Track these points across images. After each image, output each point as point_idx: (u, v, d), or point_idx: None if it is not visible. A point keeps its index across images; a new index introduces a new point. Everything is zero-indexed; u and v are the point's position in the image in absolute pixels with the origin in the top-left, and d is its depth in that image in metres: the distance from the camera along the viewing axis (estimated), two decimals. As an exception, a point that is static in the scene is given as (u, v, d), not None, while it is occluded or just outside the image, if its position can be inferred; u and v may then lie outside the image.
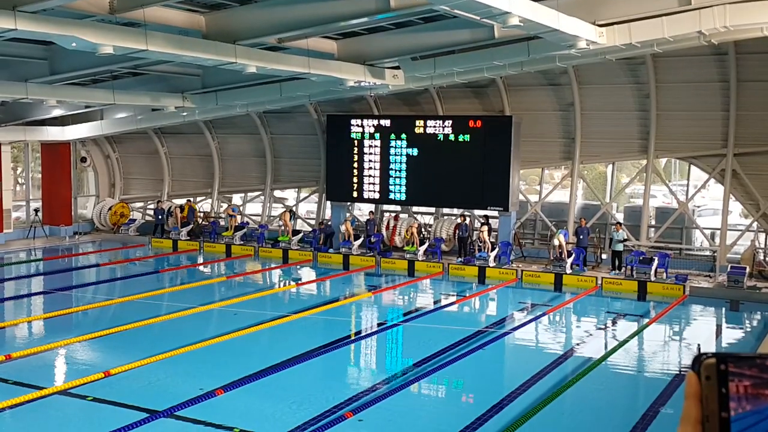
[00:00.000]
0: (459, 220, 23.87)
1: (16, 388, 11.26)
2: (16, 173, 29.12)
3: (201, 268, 22.87)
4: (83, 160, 29.67)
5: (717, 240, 21.46)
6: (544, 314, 17.48)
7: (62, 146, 28.38)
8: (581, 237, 22.09)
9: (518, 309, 18.20)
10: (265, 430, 9.77)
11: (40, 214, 27.92)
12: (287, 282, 20.92)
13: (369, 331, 16.07)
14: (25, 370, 12.28)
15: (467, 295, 19.49)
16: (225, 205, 28.41)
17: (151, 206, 29.51)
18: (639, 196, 25.49)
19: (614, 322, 17.71)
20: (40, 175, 29.10)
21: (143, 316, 15.93)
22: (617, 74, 21.77)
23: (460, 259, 22.79)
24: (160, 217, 27.39)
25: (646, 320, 17.28)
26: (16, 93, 19.37)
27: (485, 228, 22.71)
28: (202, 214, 28.51)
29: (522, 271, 21.75)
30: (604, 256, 22.44)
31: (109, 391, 11.21)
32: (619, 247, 21.44)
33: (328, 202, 25.87)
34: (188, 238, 26.70)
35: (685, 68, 20.82)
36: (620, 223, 22.07)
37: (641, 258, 20.73)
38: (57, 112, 24.92)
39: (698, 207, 24.56)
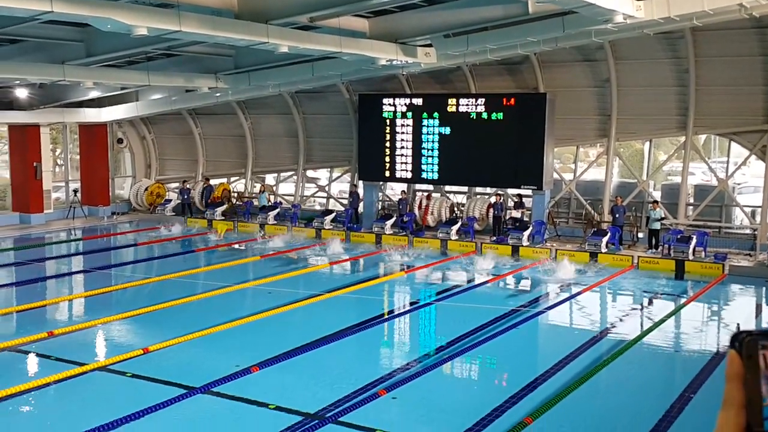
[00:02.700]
0: (493, 199, 23.76)
1: (58, 364, 11.54)
2: (56, 154, 29.60)
3: (235, 246, 23.09)
4: (120, 141, 30.06)
5: (758, 218, 21.03)
6: (578, 293, 17.35)
7: (99, 128, 28.77)
8: (617, 216, 21.83)
9: (552, 288, 18.08)
10: (300, 407, 9.87)
11: (79, 194, 28.40)
12: (321, 261, 21.03)
13: (402, 310, 16.11)
14: (67, 346, 12.56)
15: (500, 274, 19.41)
16: (258, 185, 28.58)
17: (176, 186, 29.81)
18: (677, 174, 25.11)
19: (650, 302, 17.51)
20: (78, 157, 29.56)
21: (180, 295, 16.17)
22: (655, 49, 21.35)
23: (498, 237, 22.72)
24: (185, 197, 27.71)
25: (684, 299, 17.06)
26: (54, 75, 19.65)
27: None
28: (236, 194, 28.75)
29: (556, 250, 21.60)
30: (640, 235, 22.15)
31: (148, 368, 11.42)
32: (656, 225, 21.15)
33: (361, 182, 25.89)
34: (223, 217, 26.99)
35: (725, 42, 20.33)
36: (657, 202, 21.75)
37: (679, 236, 20.43)
38: (94, 94, 25.23)
39: (738, 184, 24.11)
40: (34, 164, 26.37)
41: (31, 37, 18.03)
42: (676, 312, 16.00)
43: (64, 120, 27.46)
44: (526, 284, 18.64)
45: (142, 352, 12.14)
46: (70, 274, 19.37)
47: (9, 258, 21.22)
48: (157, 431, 9.25)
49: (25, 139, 26.37)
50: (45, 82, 22.84)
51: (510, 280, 18.95)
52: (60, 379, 10.88)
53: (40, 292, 16.91)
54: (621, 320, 15.64)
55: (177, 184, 30.67)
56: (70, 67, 19.43)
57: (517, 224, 22.97)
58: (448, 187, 25.67)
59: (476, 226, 23.52)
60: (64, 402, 10.38)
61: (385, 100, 24.53)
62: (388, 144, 24.59)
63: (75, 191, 28.40)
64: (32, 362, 11.93)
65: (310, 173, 28.75)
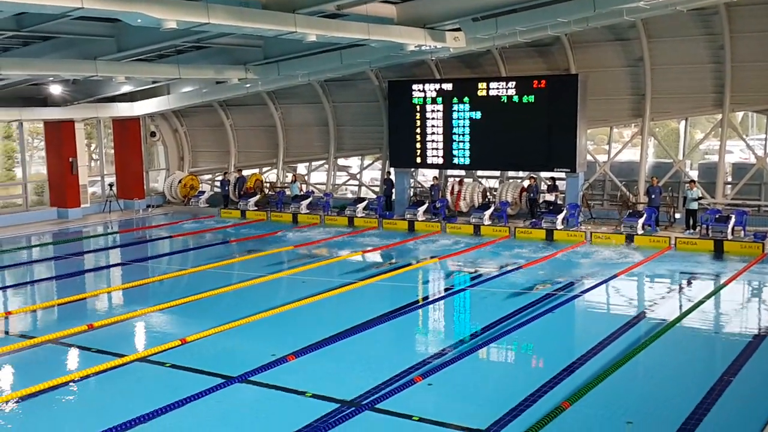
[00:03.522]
0: (527, 183, 23.59)
1: (98, 356, 11.75)
2: (90, 149, 30.01)
3: (269, 237, 23.23)
4: (153, 134, 30.38)
5: (798, 195, 20.58)
6: (614, 276, 17.14)
7: (132, 122, 29.10)
8: (653, 196, 21.54)
9: (587, 271, 17.89)
10: (336, 394, 9.92)
11: (114, 188, 28.81)
12: (354, 249, 21.07)
13: (436, 297, 16.07)
14: (107, 338, 12.77)
15: (535, 258, 19.27)
16: (290, 175, 28.69)
17: (219, 178, 30.10)
18: (714, 153, 24.68)
19: (689, 283, 17.25)
20: (112, 151, 29.96)
21: (215, 285, 16.34)
22: (688, 26, 20.94)
23: (532, 221, 22.57)
24: (226, 188, 27.99)
25: (723, 280, 16.76)
26: (86, 71, 19.88)
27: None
28: (268, 185, 28.91)
29: (591, 233, 21.38)
30: (677, 216, 21.82)
31: (186, 358, 11.57)
32: (694, 205, 20.81)
33: (392, 169, 25.85)
34: (256, 208, 27.18)
35: (761, 16, 19.87)
36: (694, 181, 21.41)
37: (717, 216, 20.09)
38: (126, 89, 25.49)
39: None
40: (70, 159, 26.78)
41: (63, 34, 18.24)
42: (715, 293, 15.74)
43: (97, 115, 27.81)
44: (561, 268, 18.47)
45: (180, 342, 12.29)
46: (108, 267, 19.66)
47: (49, 252, 21.62)
48: (196, 420, 9.37)
49: (60, 135, 26.77)
50: (78, 77, 23.13)
51: (545, 264, 18.79)
52: (101, 371, 11.07)
53: (79, 286, 17.20)
54: (659, 303, 15.43)
55: (210, 176, 30.97)
56: (102, 63, 19.63)
57: (551, 208, 22.78)
58: (480, 172, 25.53)
59: (509, 211, 23.37)
60: (105, 393, 10.55)
61: (414, 86, 24.43)
62: (418, 130, 24.52)
63: (110, 185, 28.81)
64: (73, 354, 12.14)
65: (341, 161, 28.79)
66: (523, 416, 9.20)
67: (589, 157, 23.66)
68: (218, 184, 29.36)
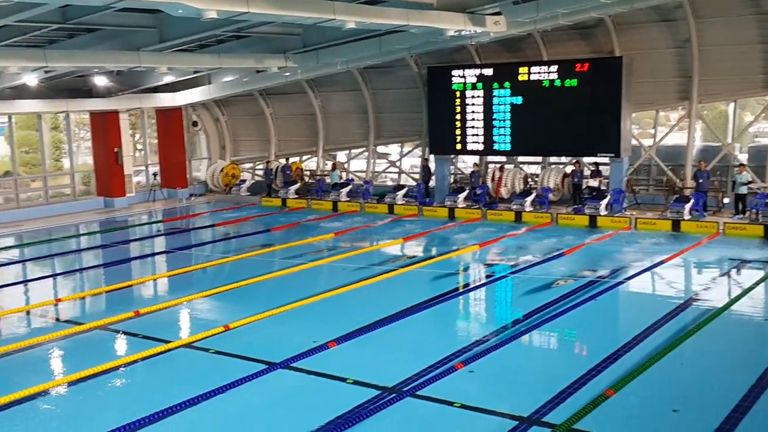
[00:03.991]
0: (570, 168, 23.30)
1: (145, 342, 11.96)
2: (135, 140, 30.50)
3: (309, 224, 23.36)
4: (195, 124, 30.72)
5: None
6: (660, 263, 16.83)
7: (175, 112, 29.47)
8: (701, 181, 21.09)
9: (632, 257, 17.60)
10: (378, 380, 9.93)
11: (158, 177, 29.24)
12: (394, 237, 21.06)
13: (477, 283, 15.98)
14: (152, 324, 12.98)
15: (577, 245, 19.02)
16: (330, 163, 28.76)
17: (260, 167, 30.35)
18: (764, 135, 24.06)
19: (738, 270, 16.84)
20: (156, 141, 30.38)
21: (257, 273, 16.48)
22: (737, 5, 20.38)
23: (574, 207, 22.31)
24: (270, 176, 28.21)
25: (773, 266, 16.35)
26: (130, 62, 20.18)
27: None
28: (308, 173, 29.03)
29: (636, 218, 21.04)
30: (726, 201, 21.33)
31: (229, 344, 11.70)
32: (743, 190, 20.34)
33: (430, 156, 25.73)
34: (296, 196, 27.33)
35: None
36: (744, 165, 20.90)
37: (767, 201, 19.59)
38: (168, 79, 25.80)
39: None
40: (115, 150, 27.24)
41: (107, 26, 18.50)
42: (764, 280, 15.34)
43: (141, 105, 28.21)
44: (604, 254, 18.21)
45: (224, 329, 12.44)
46: (153, 255, 19.99)
47: (96, 241, 22.06)
48: (240, 406, 9.47)
49: (105, 126, 27.24)
50: (122, 69, 23.49)
51: (588, 250, 18.55)
52: (147, 356, 11.28)
53: (126, 273, 17.51)
54: (706, 289, 15.11)
55: (251, 165, 31.22)
56: (145, 54, 19.89)
57: (594, 193, 22.47)
58: (521, 158, 25.27)
59: (551, 197, 23.10)
60: (151, 378, 10.74)
61: (454, 72, 24.24)
62: (458, 116, 24.35)
63: (155, 174, 29.25)
64: (121, 340, 12.37)
65: (380, 149, 28.76)
66: (565, 404, 9.10)
67: (634, 142, 23.24)
68: (261, 172, 29.57)
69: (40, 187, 26.83)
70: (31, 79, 21.81)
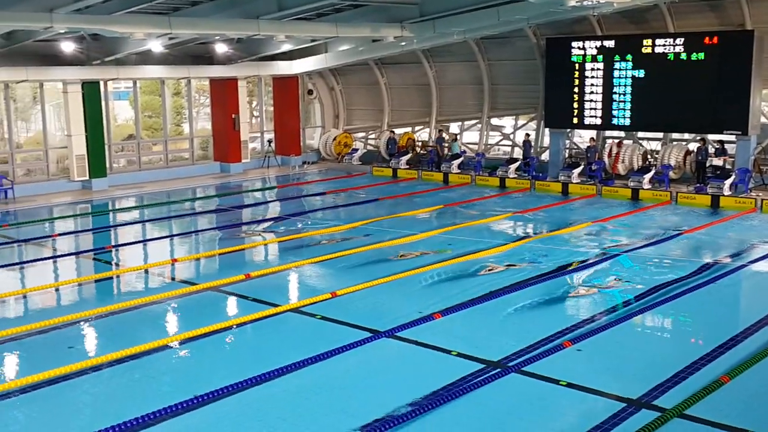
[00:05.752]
0: (694, 145, 22.21)
1: (254, 305, 12.34)
2: (252, 106, 31.34)
3: (419, 195, 23.34)
4: (310, 92, 31.22)
5: None
6: (788, 248, 15.82)
7: (291, 80, 30.01)
8: (837, 162, 19.60)
9: (756, 240, 16.61)
10: (482, 354, 9.85)
11: (273, 144, 29.97)
12: (505, 210, 20.74)
13: (589, 261, 15.51)
14: (263, 288, 13.36)
15: (698, 225, 18.13)
16: (446, 135, 28.52)
17: (372, 136, 30.54)
18: None
19: None
20: (272, 108, 31.10)
21: (365, 242, 16.64)
22: None
23: (696, 185, 21.30)
24: (390, 146, 28.30)
25: None
26: (249, 30, 20.65)
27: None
28: (420, 143, 28.97)
29: (762, 200, 19.84)
30: None
31: (336, 311, 11.89)
32: None
33: (547, 129, 25.10)
34: (407, 166, 27.35)
35: None
36: None
37: None
38: (285, 47, 26.25)
39: None
40: (233, 116, 28.07)
41: (228, -6, 18.96)
42: None
43: (258, 73, 28.89)
44: (727, 235, 17.28)
45: (330, 296, 12.65)
46: (265, 220, 20.53)
47: (211, 205, 22.89)
48: (344, 372, 9.62)
49: (224, 93, 28.09)
50: (242, 36, 24.07)
51: (709, 230, 17.65)
52: (256, 319, 11.63)
53: (238, 237, 18.07)
54: (839, 279, 14.09)
55: (363, 134, 31.45)
56: (264, 22, 20.28)
57: (718, 172, 21.34)
58: (640, 134, 24.26)
59: (672, 175, 22.11)
60: (262, 340, 11.08)
61: (574, 44, 23.47)
62: (576, 89, 23.61)
63: (269, 141, 29.99)
64: (232, 302, 12.81)
65: (494, 121, 28.30)
66: (677, 388, 8.74)
67: (763, 119, 21.85)
68: (373, 143, 29.68)
69: (160, 150, 28.05)
70: (156, 46, 22.68)
